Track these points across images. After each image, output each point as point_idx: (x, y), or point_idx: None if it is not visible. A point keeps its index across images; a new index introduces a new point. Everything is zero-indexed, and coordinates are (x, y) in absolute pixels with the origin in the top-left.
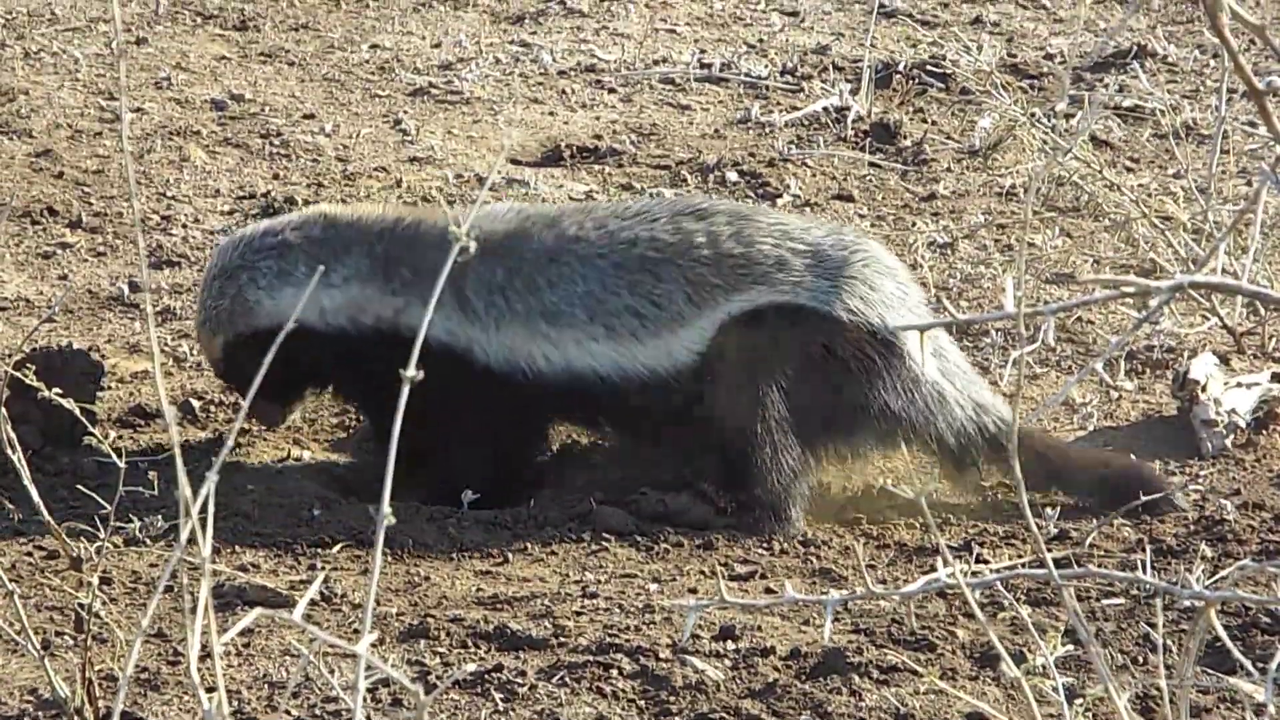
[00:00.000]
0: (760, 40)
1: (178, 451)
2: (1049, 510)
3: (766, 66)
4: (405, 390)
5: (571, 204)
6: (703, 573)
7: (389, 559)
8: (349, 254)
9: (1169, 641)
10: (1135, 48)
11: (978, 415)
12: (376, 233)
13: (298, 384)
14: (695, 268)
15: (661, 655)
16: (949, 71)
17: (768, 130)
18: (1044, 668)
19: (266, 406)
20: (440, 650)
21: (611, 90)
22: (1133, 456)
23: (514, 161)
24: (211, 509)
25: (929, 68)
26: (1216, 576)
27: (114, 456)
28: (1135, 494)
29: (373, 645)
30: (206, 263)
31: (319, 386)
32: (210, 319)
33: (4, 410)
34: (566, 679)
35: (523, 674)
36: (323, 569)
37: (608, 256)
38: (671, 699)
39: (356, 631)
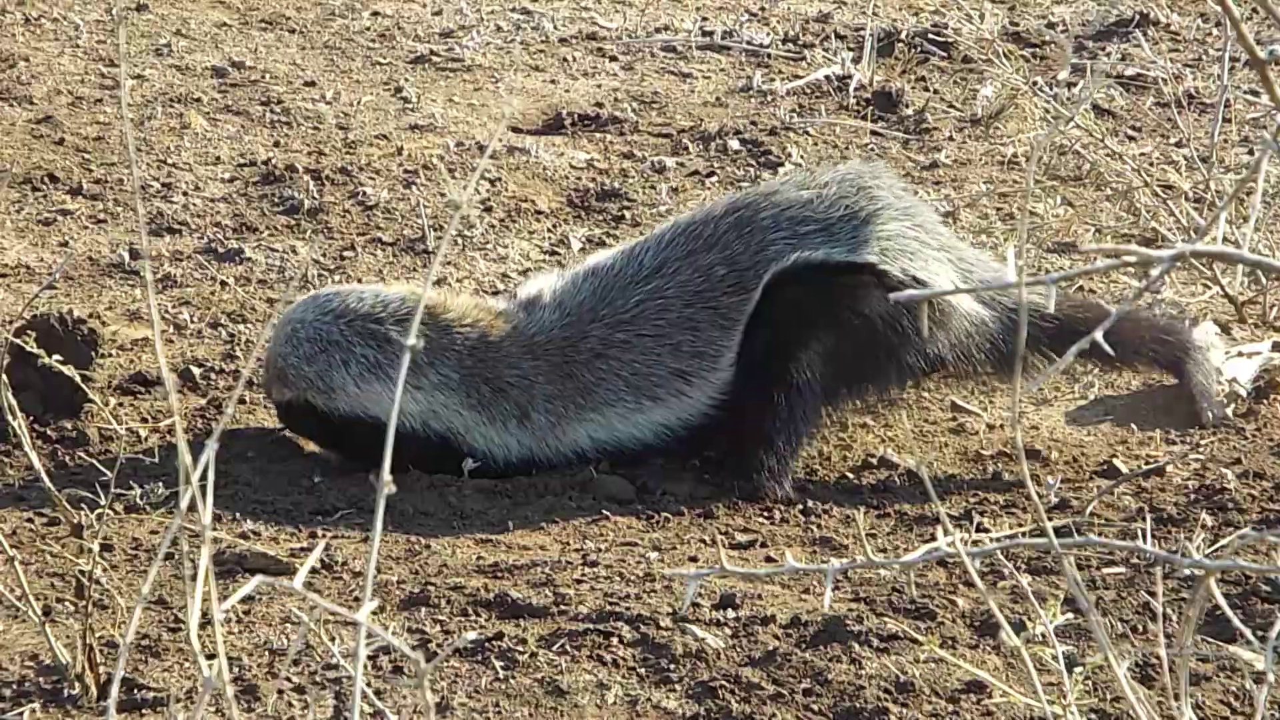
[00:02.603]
0: (762, 8)
1: (178, 418)
2: (1049, 479)
3: (768, 34)
4: (405, 359)
5: (601, 270)
6: (703, 541)
7: (390, 527)
8: (442, 362)
9: (1169, 610)
10: (1138, 16)
11: (1012, 309)
12: (470, 344)
13: (343, 447)
14: (723, 298)
15: (662, 623)
16: (951, 40)
17: (769, 98)
18: (1044, 636)
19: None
20: (441, 618)
21: (613, 58)
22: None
23: (515, 129)
24: (212, 476)
25: (931, 36)
26: (1216, 545)
27: (114, 424)
28: (1177, 359)
29: (373, 613)
30: (295, 308)
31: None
32: (286, 375)
33: (5, 377)
34: (567, 647)
35: (523, 642)
36: (323, 537)
37: (648, 333)
38: (672, 667)
39: (357, 599)
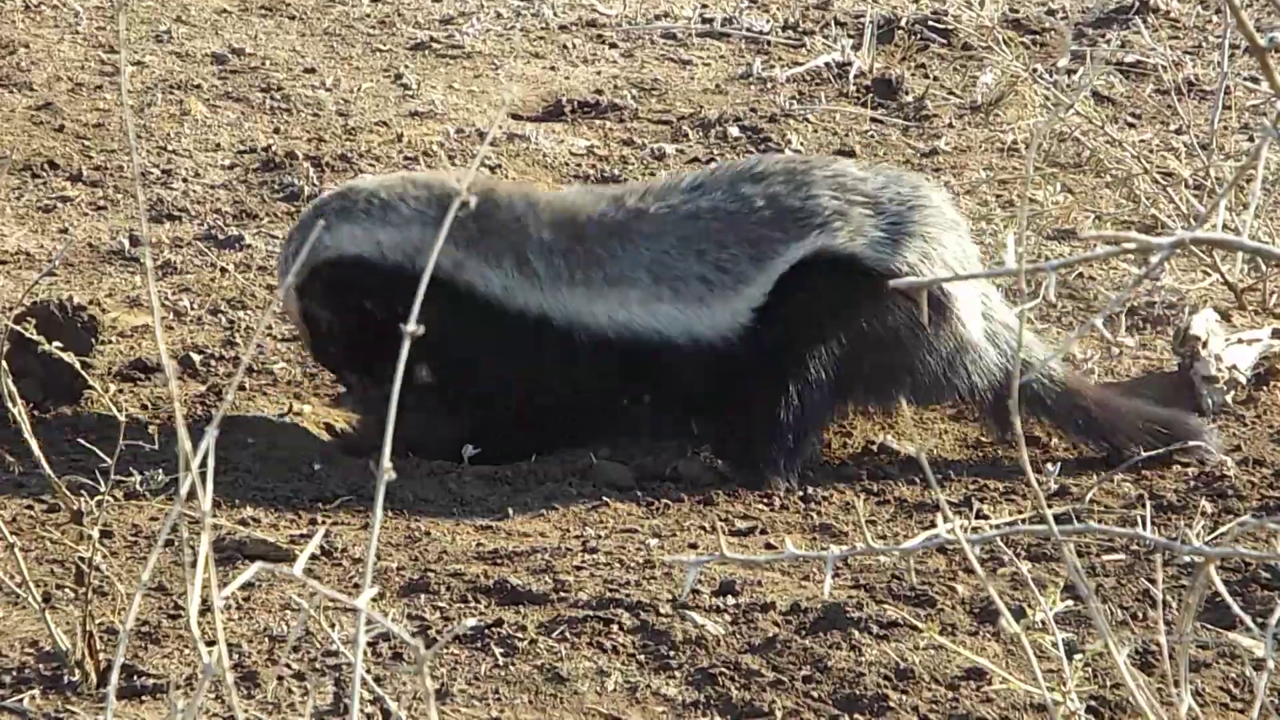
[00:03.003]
0: None
1: (178, 405)
2: (1049, 466)
3: (768, 21)
4: (406, 344)
5: (632, 182)
6: (703, 528)
7: (389, 514)
8: (415, 199)
9: (1169, 597)
10: (1137, 3)
11: (1021, 374)
12: (447, 189)
13: (366, 336)
14: (757, 229)
15: (662, 610)
16: (951, 27)
17: (769, 85)
18: (1044, 623)
19: (342, 369)
20: (440, 605)
21: (613, 45)
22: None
23: (515, 116)
24: (211, 463)
25: (931, 23)
26: (1216, 532)
27: (114, 410)
28: (1176, 442)
29: (373, 600)
30: None
31: (385, 345)
32: (284, 270)
33: (5, 364)
34: (567, 633)
35: (523, 628)
36: (323, 523)
37: (672, 231)
38: (671, 654)
39: (357, 586)
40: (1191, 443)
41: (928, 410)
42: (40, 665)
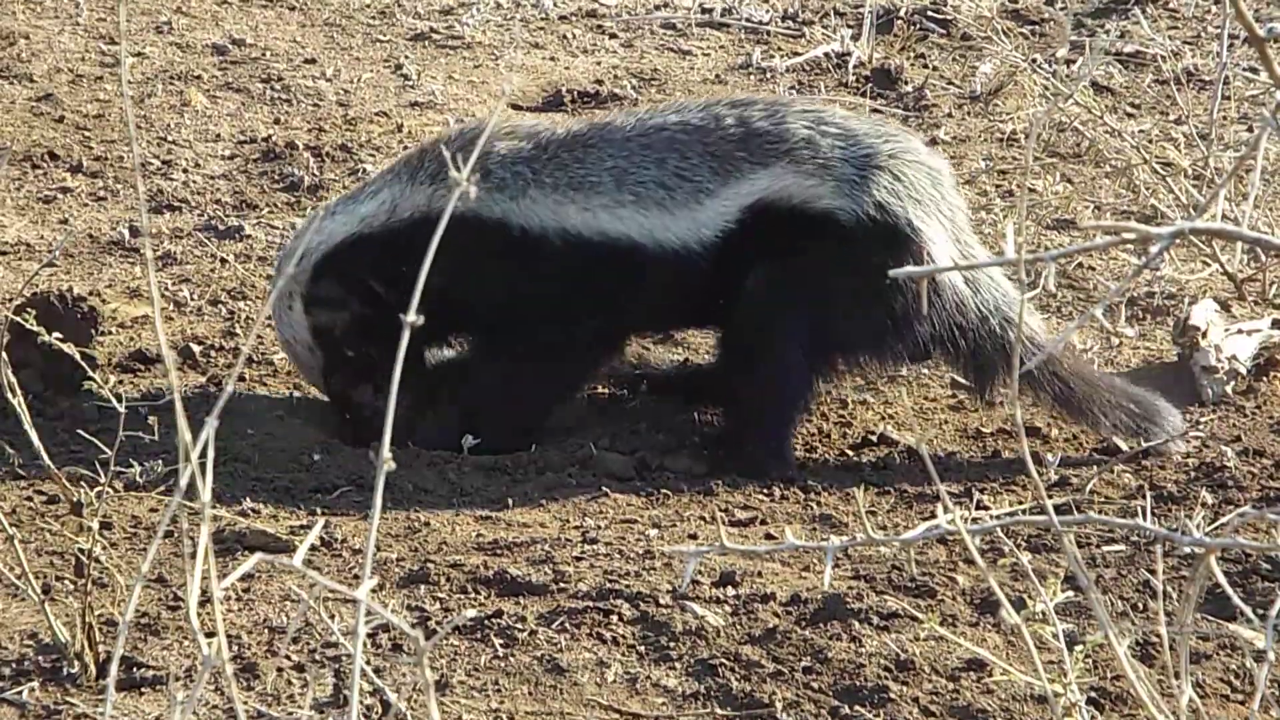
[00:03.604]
0: None
1: (178, 396)
2: (1049, 456)
3: (768, 11)
4: (406, 334)
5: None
6: (703, 518)
7: (389, 504)
8: (381, 176)
9: (1169, 588)
10: None
11: (1004, 329)
12: (407, 158)
13: (376, 320)
14: (722, 145)
15: (661, 601)
16: (950, 17)
17: (769, 75)
18: (1044, 614)
19: (357, 382)
20: (440, 595)
21: (613, 35)
22: (1150, 392)
23: (515, 106)
24: (211, 454)
25: (930, 13)
26: (1217, 523)
27: (114, 401)
28: (1147, 431)
29: (373, 591)
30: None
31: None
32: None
33: (4, 355)
34: (566, 624)
35: (523, 619)
36: (323, 514)
37: (635, 139)
38: (671, 645)
39: (357, 577)
40: (1158, 429)
41: (928, 400)
42: (40, 657)
